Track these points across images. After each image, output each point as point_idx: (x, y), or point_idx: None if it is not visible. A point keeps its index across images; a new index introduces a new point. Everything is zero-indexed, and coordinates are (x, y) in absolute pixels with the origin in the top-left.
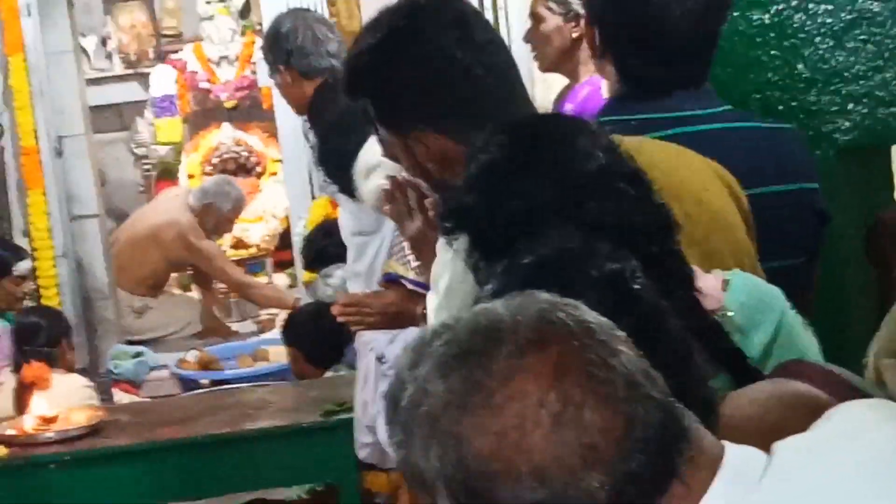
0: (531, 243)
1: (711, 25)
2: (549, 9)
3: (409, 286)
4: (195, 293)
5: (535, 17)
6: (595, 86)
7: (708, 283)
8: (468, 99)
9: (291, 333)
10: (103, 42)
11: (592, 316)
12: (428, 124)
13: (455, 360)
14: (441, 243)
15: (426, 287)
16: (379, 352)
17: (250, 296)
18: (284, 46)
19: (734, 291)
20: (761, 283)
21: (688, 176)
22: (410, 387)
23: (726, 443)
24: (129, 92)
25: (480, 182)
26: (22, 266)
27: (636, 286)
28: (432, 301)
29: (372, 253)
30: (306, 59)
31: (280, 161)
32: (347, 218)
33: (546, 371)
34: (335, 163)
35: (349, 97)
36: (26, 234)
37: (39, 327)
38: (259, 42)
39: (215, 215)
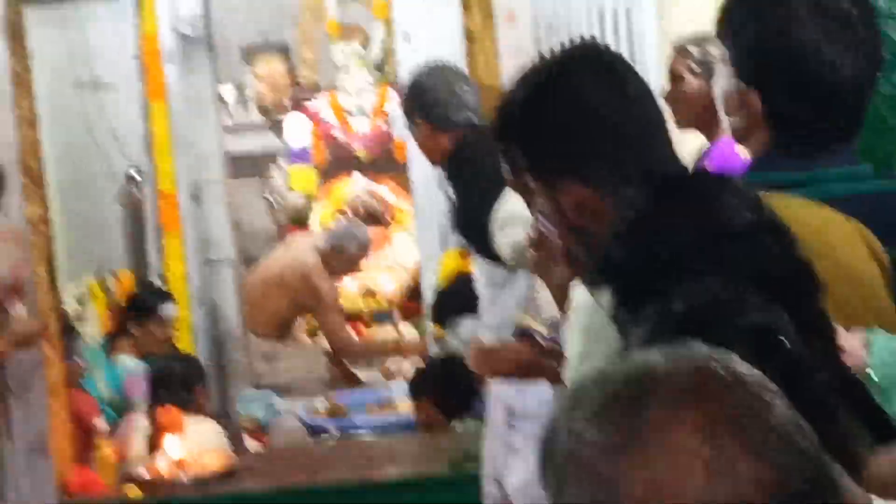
0: (681, 293)
1: (869, 84)
2: (690, 69)
3: (541, 340)
4: (324, 341)
5: (675, 76)
6: (731, 146)
7: (850, 341)
8: (617, 151)
9: (421, 384)
10: (240, 90)
11: (746, 368)
12: (575, 175)
13: (610, 407)
14: (581, 291)
15: (558, 342)
16: (508, 404)
17: (343, 351)
18: (423, 99)
19: (876, 351)
20: None
21: (831, 236)
22: (564, 433)
23: (875, 497)
24: (264, 140)
25: (628, 234)
26: (167, 310)
27: (784, 339)
28: (572, 348)
29: (504, 305)
30: (444, 112)
31: (411, 213)
32: (481, 270)
33: (700, 422)
34: (471, 218)
35: (499, 142)
36: (162, 277)
37: (175, 371)
38: (394, 94)
39: (341, 256)
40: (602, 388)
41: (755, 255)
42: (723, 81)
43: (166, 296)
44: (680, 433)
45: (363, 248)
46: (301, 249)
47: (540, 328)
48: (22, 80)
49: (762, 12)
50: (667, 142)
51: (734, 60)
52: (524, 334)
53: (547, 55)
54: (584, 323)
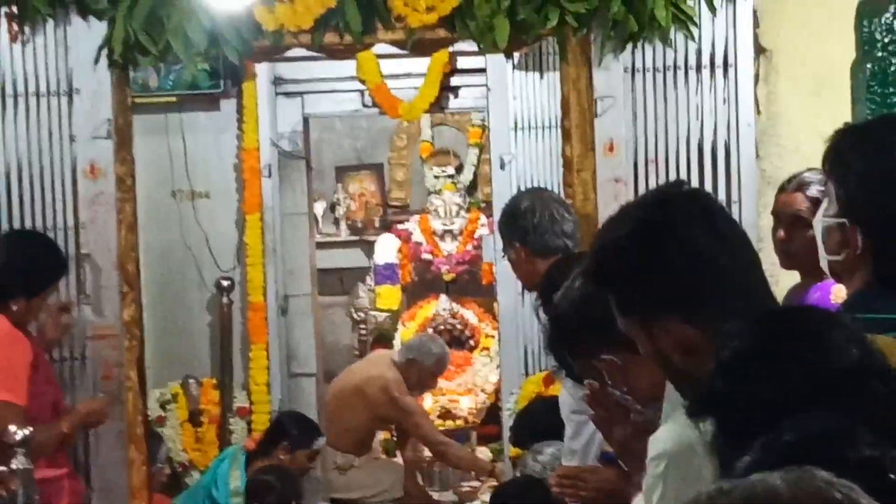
0: (792, 423)
1: None
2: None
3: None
4: (399, 458)
5: (790, 218)
6: (826, 290)
7: None
8: (714, 290)
9: None
10: (332, 208)
11: (867, 500)
12: (675, 313)
13: None
14: (650, 460)
15: None
16: None
17: (444, 454)
18: (521, 224)
19: None
20: None
21: None
22: None
23: None
24: (352, 257)
25: (733, 368)
26: (319, 443)
27: (894, 475)
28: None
29: (589, 432)
30: (542, 238)
31: (493, 336)
32: (567, 395)
33: None
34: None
35: (596, 286)
36: (245, 387)
37: (272, 487)
38: (483, 219)
39: (418, 371)
40: None
41: (861, 397)
42: (824, 218)
43: (320, 431)
44: None
45: (440, 363)
46: (380, 363)
47: None
48: (126, 186)
49: (872, 151)
50: (762, 279)
51: (839, 196)
52: (609, 459)
53: (640, 198)
54: (654, 487)
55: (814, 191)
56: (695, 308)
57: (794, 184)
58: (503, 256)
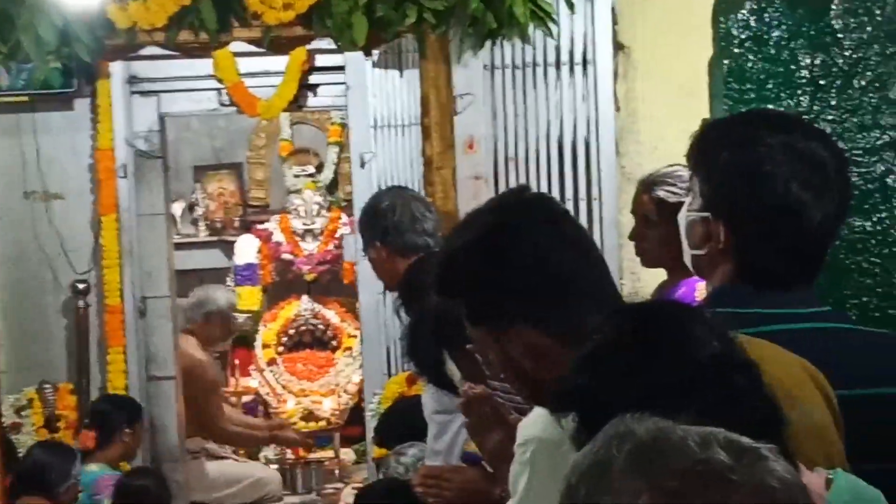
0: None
1: (836, 228)
2: (658, 209)
3: (489, 467)
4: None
5: (641, 216)
6: (691, 286)
7: (812, 480)
8: (564, 294)
9: None
10: (190, 208)
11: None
12: (525, 321)
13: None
14: (517, 447)
15: None
16: None
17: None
18: (381, 223)
19: (838, 491)
20: (864, 485)
21: (781, 374)
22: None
23: None
24: (212, 258)
25: (594, 362)
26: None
27: None
28: (520, 482)
29: (453, 431)
30: (402, 236)
31: (356, 336)
32: (430, 397)
33: None
34: (424, 345)
35: (442, 297)
36: (103, 391)
37: (148, 490)
38: (344, 218)
39: (218, 318)
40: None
41: (721, 391)
42: (688, 213)
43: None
44: None
45: (230, 298)
46: (182, 347)
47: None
48: None
49: (735, 146)
50: (611, 283)
51: (703, 191)
52: (472, 460)
53: (483, 205)
54: (521, 473)
55: (659, 192)
56: (543, 315)
57: (641, 185)
58: (364, 256)
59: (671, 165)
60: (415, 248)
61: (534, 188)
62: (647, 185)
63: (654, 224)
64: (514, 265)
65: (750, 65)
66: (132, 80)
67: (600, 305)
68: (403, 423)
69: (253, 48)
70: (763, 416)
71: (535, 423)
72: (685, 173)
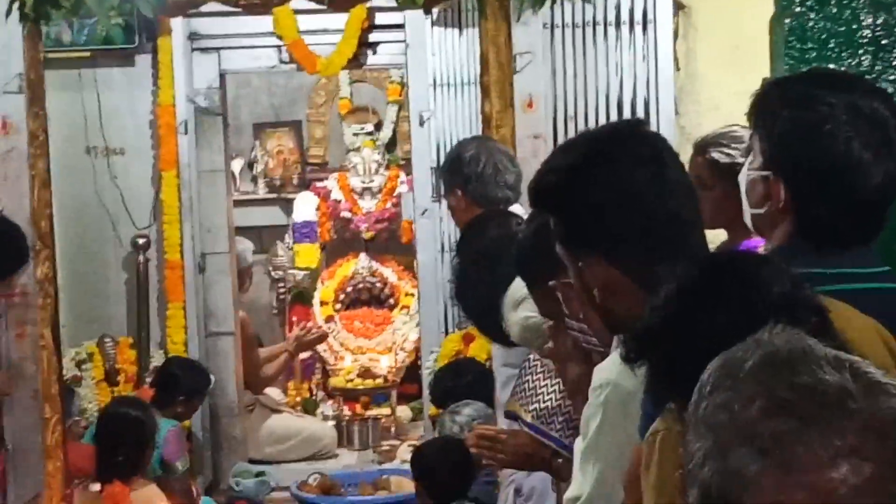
0: None
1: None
2: (715, 171)
3: (525, 428)
4: (317, 418)
5: (699, 178)
6: (751, 247)
7: None
8: (648, 236)
9: (417, 466)
10: (250, 165)
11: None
12: (603, 252)
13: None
14: (592, 389)
15: (541, 431)
16: (518, 484)
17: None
18: (464, 171)
19: None
20: None
21: (852, 332)
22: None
23: None
24: (271, 215)
25: (664, 309)
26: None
27: None
28: (580, 443)
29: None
30: (484, 186)
31: (412, 295)
32: (499, 349)
33: None
34: (480, 295)
35: (534, 208)
36: (162, 346)
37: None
38: (402, 177)
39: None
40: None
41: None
42: (748, 171)
43: (209, 378)
44: None
45: (247, 249)
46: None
47: (527, 417)
48: (39, 141)
49: (796, 104)
50: (700, 233)
51: (763, 150)
52: (511, 417)
53: (596, 128)
54: (594, 414)
55: (713, 153)
56: (623, 250)
57: (695, 147)
58: (434, 200)
59: (727, 126)
60: (495, 200)
61: None
62: (701, 147)
63: (707, 186)
64: (604, 193)
65: (811, 24)
66: (193, 36)
67: (683, 254)
68: (459, 381)
69: (313, 5)
70: None
71: (610, 368)
72: (740, 133)
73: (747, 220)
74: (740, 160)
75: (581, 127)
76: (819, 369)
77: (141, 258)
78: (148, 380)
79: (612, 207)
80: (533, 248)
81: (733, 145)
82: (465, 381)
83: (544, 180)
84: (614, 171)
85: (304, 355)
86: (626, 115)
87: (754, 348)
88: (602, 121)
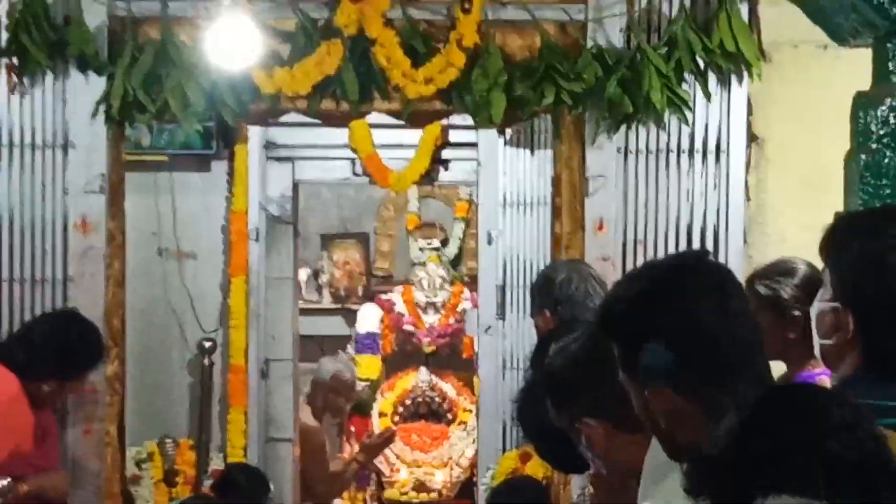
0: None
1: None
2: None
3: None
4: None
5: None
6: (812, 378)
7: None
8: (711, 364)
9: None
10: (315, 275)
11: None
12: (668, 382)
13: None
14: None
15: None
16: None
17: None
18: (554, 293)
19: None
20: None
21: None
22: None
23: None
24: (334, 325)
25: (729, 446)
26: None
27: None
28: None
29: None
30: (573, 309)
31: (470, 411)
32: None
33: None
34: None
35: (602, 334)
36: (222, 449)
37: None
38: (466, 293)
39: (321, 391)
40: None
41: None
42: (819, 303)
43: (269, 486)
44: None
45: (336, 378)
46: (298, 413)
47: None
48: (116, 242)
49: (864, 237)
50: (761, 361)
51: (832, 281)
52: None
53: (661, 259)
54: None
55: (758, 286)
56: (687, 378)
57: (746, 279)
58: (498, 318)
59: (783, 258)
60: (582, 324)
61: None
62: (750, 278)
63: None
64: (670, 322)
65: (887, 160)
66: (269, 145)
67: (749, 383)
68: (516, 499)
69: (388, 119)
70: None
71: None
72: (791, 266)
73: (817, 350)
74: (784, 294)
75: (650, 252)
76: None
77: (206, 361)
78: (206, 483)
79: (680, 334)
80: (575, 377)
81: (778, 278)
82: (521, 498)
83: (612, 308)
84: (682, 298)
85: None
86: (696, 242)
87: None
88: (671, 247)
